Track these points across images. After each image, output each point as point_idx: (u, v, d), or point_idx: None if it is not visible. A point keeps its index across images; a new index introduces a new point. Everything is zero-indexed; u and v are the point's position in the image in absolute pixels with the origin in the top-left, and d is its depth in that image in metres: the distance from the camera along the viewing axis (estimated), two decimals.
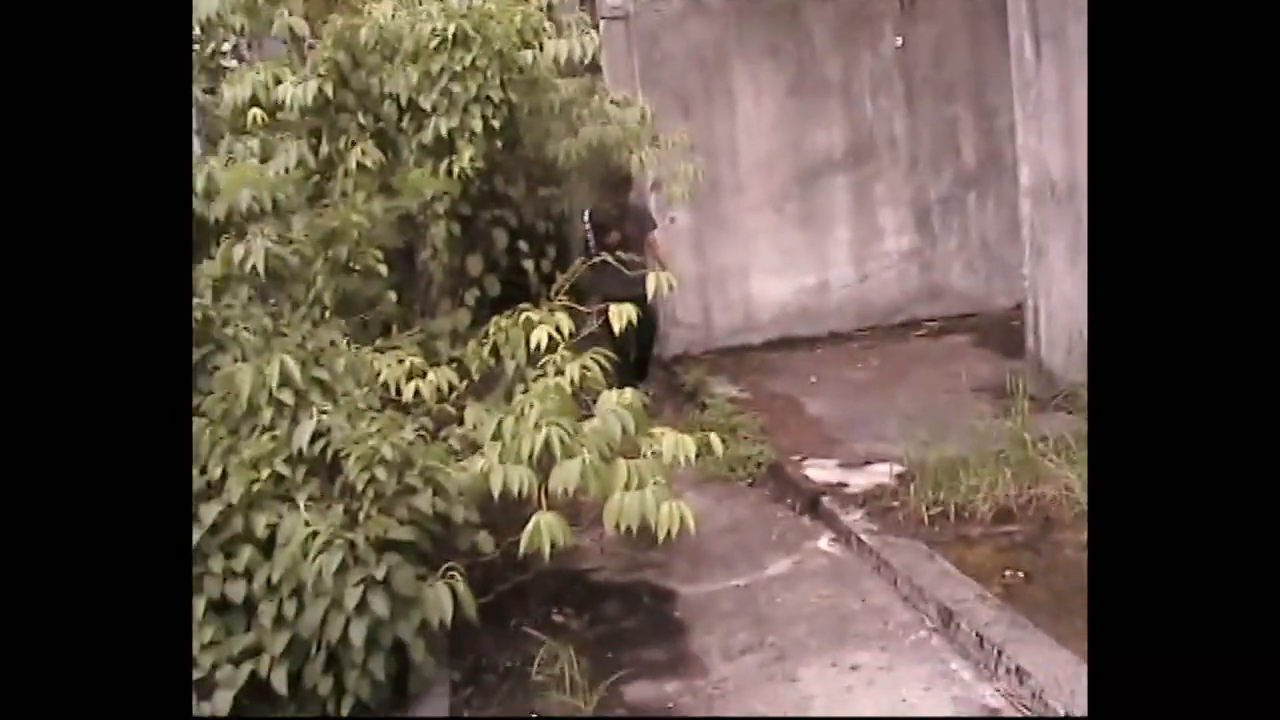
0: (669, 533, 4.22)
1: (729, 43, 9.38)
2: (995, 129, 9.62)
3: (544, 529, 4.11)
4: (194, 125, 7.31)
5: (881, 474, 6.02)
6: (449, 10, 5.90)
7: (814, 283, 9.56)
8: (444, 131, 5.78)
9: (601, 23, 10.09)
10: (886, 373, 8.34)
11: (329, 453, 4.27)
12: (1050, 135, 7.23)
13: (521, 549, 4.17)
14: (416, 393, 5.08)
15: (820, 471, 6.23)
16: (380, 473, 4.12)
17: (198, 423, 4.39)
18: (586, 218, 7.59)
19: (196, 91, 6.93)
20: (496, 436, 4.54)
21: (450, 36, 5.80)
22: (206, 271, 5.37)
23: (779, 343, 9.36)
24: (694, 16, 9.28)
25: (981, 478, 5.54)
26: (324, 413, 4.34)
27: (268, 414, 4.33)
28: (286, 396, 4.33)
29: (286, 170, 6.06)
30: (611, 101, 6.93)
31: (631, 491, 4.27)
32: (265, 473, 4.20)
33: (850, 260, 9.67)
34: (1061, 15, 7.20)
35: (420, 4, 6.48)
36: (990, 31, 9.50)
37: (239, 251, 5.34)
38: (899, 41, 9.65)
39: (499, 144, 5.99)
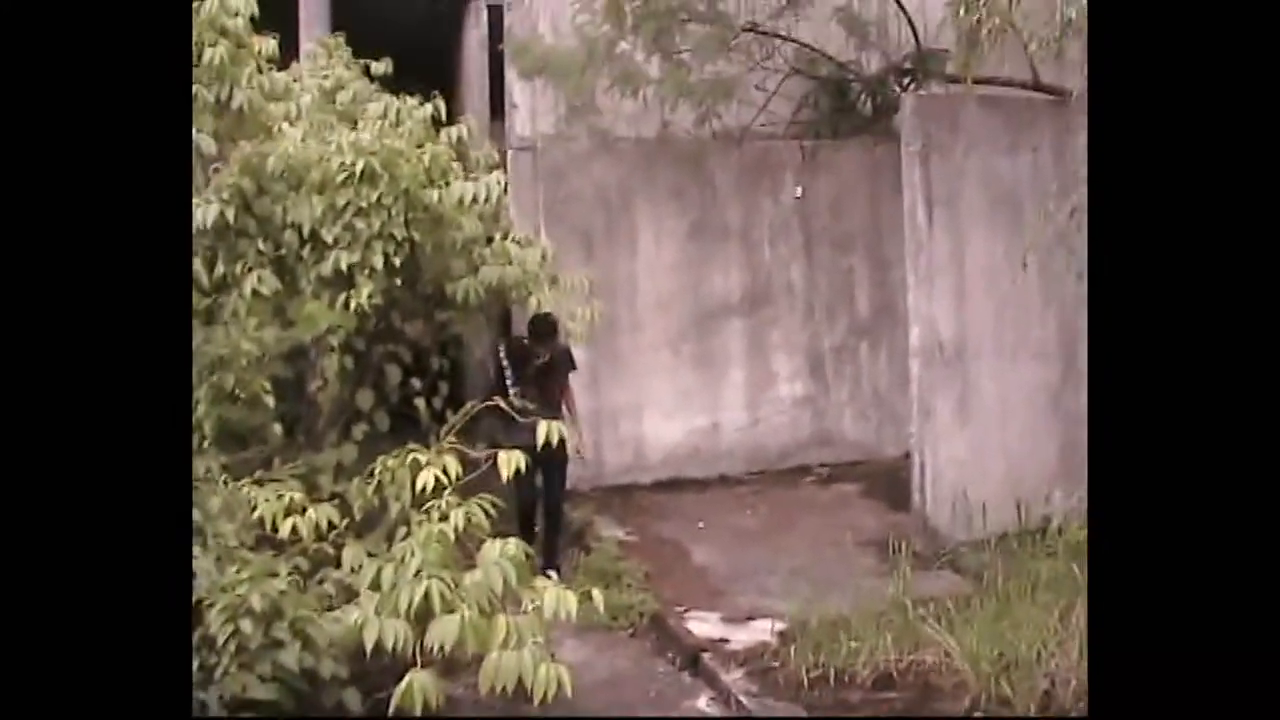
0: (545, 695, 4.13)
1: (634, 183, 9.56)
2: (890, 280, 9.88)
3: (416, 689, 4.00)
4: None
5: (764, 631, 5.99)
6: (358, 145, 5.91)
7: (706, 424, 9.62)
8: (344, 265, 5.75)
9: (509, 153, 10.26)
10: (774, 521, 8.38)
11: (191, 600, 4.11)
12: (940, 298, 7.46)
13: (391, 709, 4.04)
14: (294, 530, 4.96)
15: (703, 625, 6.19)
16: (246, 625, 3.99)
17: None
18: (502, 350, 7.32)
19: None
20: (375, 585, 4.43)
21: (358, 172, 5.80)
22: None
23: (669, 483, 9.36)
24: (600, 155, 9.44)
25: (863, 640, 5.55)
26: (195, 555, 4.20)
27: None
28: None
29: None
30: (513, 240, 6.96)
31: (509, 651, 4.18)
32: None
33: (743, 404, 9.77)
34: (955, 184, 7.51)
35: (331, 134, 6.50)
36: (888, 186, 9.82)
37: None
38: (799, 191, 9.94)
39: (398, 280, 5.96)
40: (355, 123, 7.56)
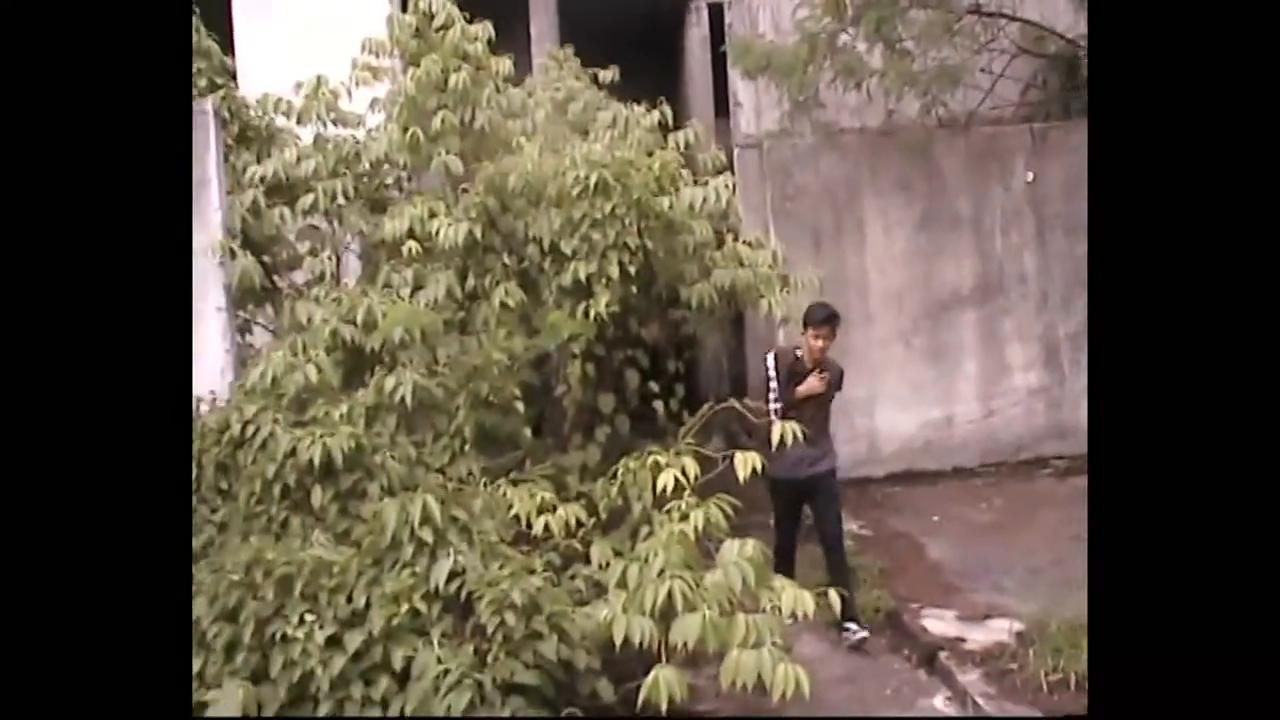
0: (783, 694, 4.30)
1: (860, 176, 9.58)
2: None
3: (663, 684, 4.22)
4: (355, 251, 7.80)
5: (1001, 630, 5.98)
6: (591, 159, 6.20)
7: (940, 416, 9.58)
8: (582, 276, 6.05)
9: (736, 150, 10.45)
10: (1010, 515, 8.29)
11: (463, 592, 4.48)
12: None
13: (639, 701, 4.29)
14: (546, 527, 5.29)
15: (939, 623, 6.22)
16: (510, 617, 4.31)
17: (346, 551, 4.67)
18: (770, 362, 6.33)
19: (361, 223, 7.41)
20: (621, 584, 4.70)
21: (592, 185, 6.09)
22: (360, 400, 5.72)
23: (902, 476, 9.38)
24: (826, 151, 9.51)
25: None
26: (460, 552, 4.56)
27: (409, 550, 4.57)
28: (426, 534, 4.57)
29: (436, 300, 6.43)
30: (743, 242, 7.14)
31: (748, 650, 4.36)
32: (404, 607, 4.42)
33: (977, 395, 9.68)
34: None
35: (566, 146, 6.85)
36: None
37: (390, 382, 5.70)
38: (1030, 177, 9.75)
39: (634, 288, 6.23)
40: (587, 132, 7.93)
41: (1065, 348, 9.77)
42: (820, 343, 6.21)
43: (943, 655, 5.82)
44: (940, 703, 5.60)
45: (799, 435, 5.58)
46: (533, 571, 4.79)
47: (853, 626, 6.20)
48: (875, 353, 9.53)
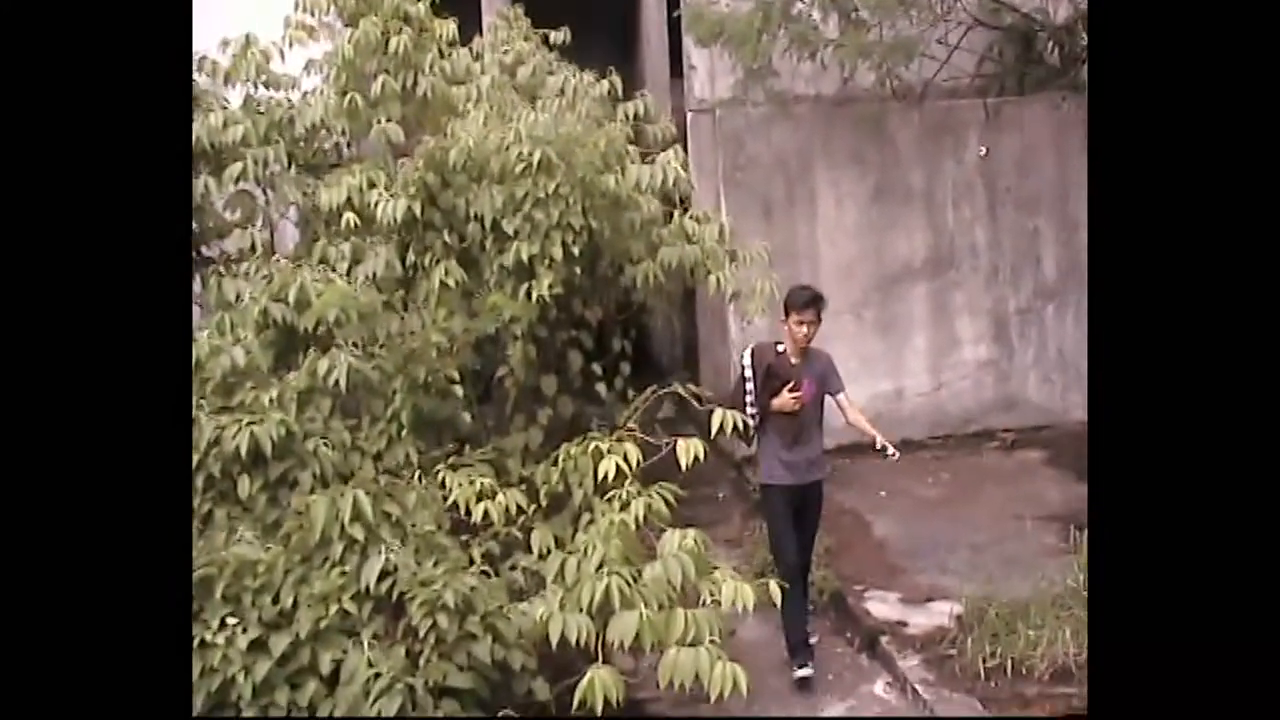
0: (721, 692, 4.24)
1: (813, 147, 9.47)
2: (1077, 241, 9.60)
3: (598, 685, 4.15)
4: (292, 220, 7.58)
5: (942, 614, 5.99)
6: (535, 135, 6.03)
7: (889, 389, 9.54)
8: (525, 257, 5.91)
9: (689, 115, 10.29)
10: (956, 490, 8.30)
11: (395, 592, 4.37)
12: None
13: (575, 704, 4.22)
14: (485, 514, 5.19)
15: (882, 606, 6.22)
16: (442, 619, 4.22)
17: (274, 549, 4.54)
18: (746, 360, 5.83)
19: (296, 192, 7.19)
20: (559, 579, 4.61)
21: (535, 162, 5.93)
22: (292, 383, 5.56)
23: (851, 448, 9.26)
24: (779, 121, 9.38)
25: (1042, 630, 5.49)
26: (392, 549, 4.45)
27: (339, 547, 4.45)
28: (357, 531, 4.45)
29: (374, 275, 6.26)
30: (691, 217, 7.02)
31: (686, 649, 4.30)
32: (333, 608, 4.31)
33: (927, 368, 9.65)
34: None
35: (512, 114, 6.67)
36: (1075, 143, 9.51)
37: (323, 365, 5.53)
38: (983, 151, 9.68)
39: (578, 269, 6.10)
40: (535, 99, 7.73)
41: (1014, 322, 9.76)
42: (805, 329, 5.69)
43: (884, 640, 5.83)
44: (880, 689, 5.61)
45: (797, 436, 5.62)
46: (469, 566, 4.70)
47: (804, 666, 5.63)
48: (825, 325, 9.14)
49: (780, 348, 5.81)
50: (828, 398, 5.93)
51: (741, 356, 5.91)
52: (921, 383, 9.65)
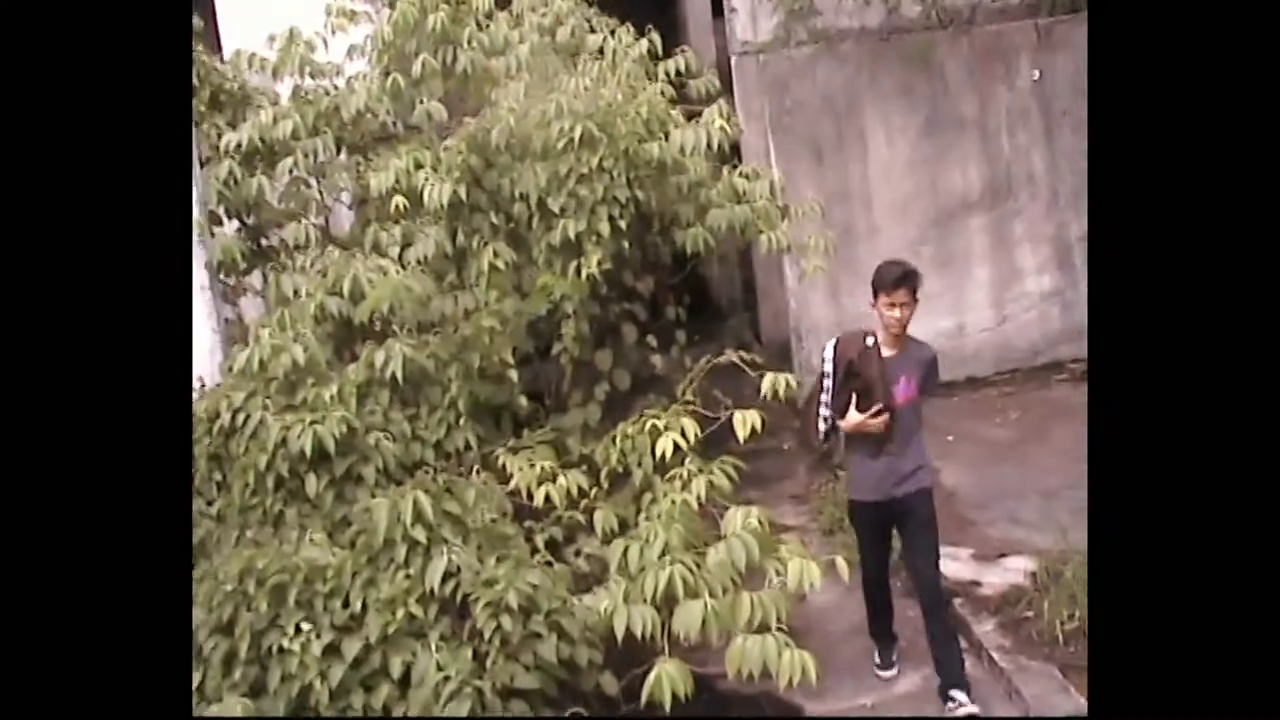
0: (789, 681, 4.24)
1: (860, 85, 9.26)
2: None
3: (665, 681, 4.16)
4: (346, 203, 7.60)
5: (1017, 571, 5.93)
6: (575, 110, 5.95)
7: (952, 326, 9.39)
8: (572, 234, 5.87)
9: (733, 59, 10.12)
10: (1025, 430, 8.19)
11: (459, 593, 4.42)
12: None
13: (643, 699, 4.24)
14: (547, 498, 5.21)
15: (954, 564, 6.15)
16: (506, 621, 4.26)
17: (341, 552, 4.60)
18: (829, 351, 5.17)
19: (347, 179, 7.21)
20: (621, 568, 4.63)
21: (577, 138, 5.86)
22: (351, 377, 5.61)
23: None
24: (824, 60, 9.18)
25: None
26: (455, 549, 4.49)
27: (402, 550, 4.50)
28: (419, 533, 4.49)
29: (426, 258, 6.27)
30: (740, 174, 6.91)
31: (752, 637, 4.29)
32: (400, 612, 4.37)
33: (989, 303, 9.49)
34: None
35: (554, 82, 6.59)
36: None
37: (380, 357, 5.57)
38: (1036, 74, 9.41)
39: (626, 242, 6.04)
40: (576, 56, 7.62)
41: (1078, 248, 9.53)
42: (898, 312, 4.93)
43: (957, 603, 5.77)
44: None
45: (885, 443, 4.98)
46: (533, 556, 4.74)
47: (959, 697, 4.98)
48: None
49: (869, 340, 4.99)
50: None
51: (823, 349, 5.21)
52: (985, 317, 9.50)
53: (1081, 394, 8.79)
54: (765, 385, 5.31)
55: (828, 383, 5.14)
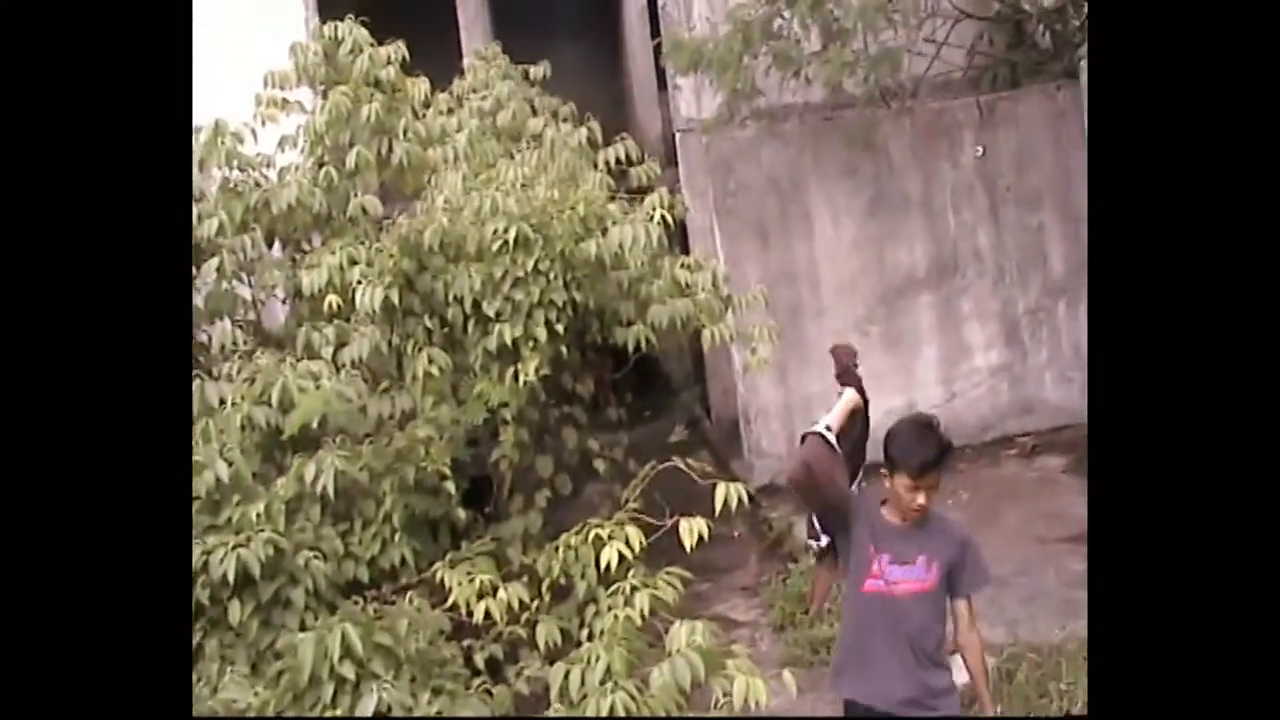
0: None
1: (804, 165, 9.24)
2: (1082, 234, 9.32)
3: None
4: (282, 296, 7.42)
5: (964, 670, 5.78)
6: (509, 210, 5.84)
7: (902, 404, 9.26)
8: (508, 339, 5.73)
9: (677, 135, 10.10)
10: (976, 510, 8.09)
11: None
12: None
13: None
14: (487, 613, 5.03)
15: None
16: None
17: (263, 693, 4.40)
18: (861, 511, 4.08)
19: (278, 275, 7.04)
20: (563, 695, 4.47)
21: (511, 240, 5.74)
22: (279, 492, 5.42)
23: (869, 468, 9.11)
24: (768, 140, 9.17)
25: (1075, 686, 5.31)
26: (386, 684, 4.30)
27: (329, 689, 4.30)
28: (348, 670, 4.30)
29: (361, 359, 6.10)
30: (683, 265, 6.81)
31: None
32: None
33: (938, 379, 9.45)
34: None
35: (493, 173, 6.48)
36: (1075, 132, 9.26)
37: (310, 471, 5.39)
38: (979, 151, 9.44)
39: (564, 346, 5.91)
40: (517, 140, 7.53)
41: (1025, 322, 9.53)
42: (920, 498, 3.86)
43: None
44: None
45: (895, 646, 3.97)
46: (472, 678, 4.57)
47: None
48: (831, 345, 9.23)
49: (885, 511, 4.04)
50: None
51: (858, 509, 4.09)
52: (934, 394, 9.44)
53: (1031, 471, 8.77)
54: (719, 497, 5.20)
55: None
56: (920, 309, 9.39)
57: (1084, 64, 7.62)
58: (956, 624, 4.10)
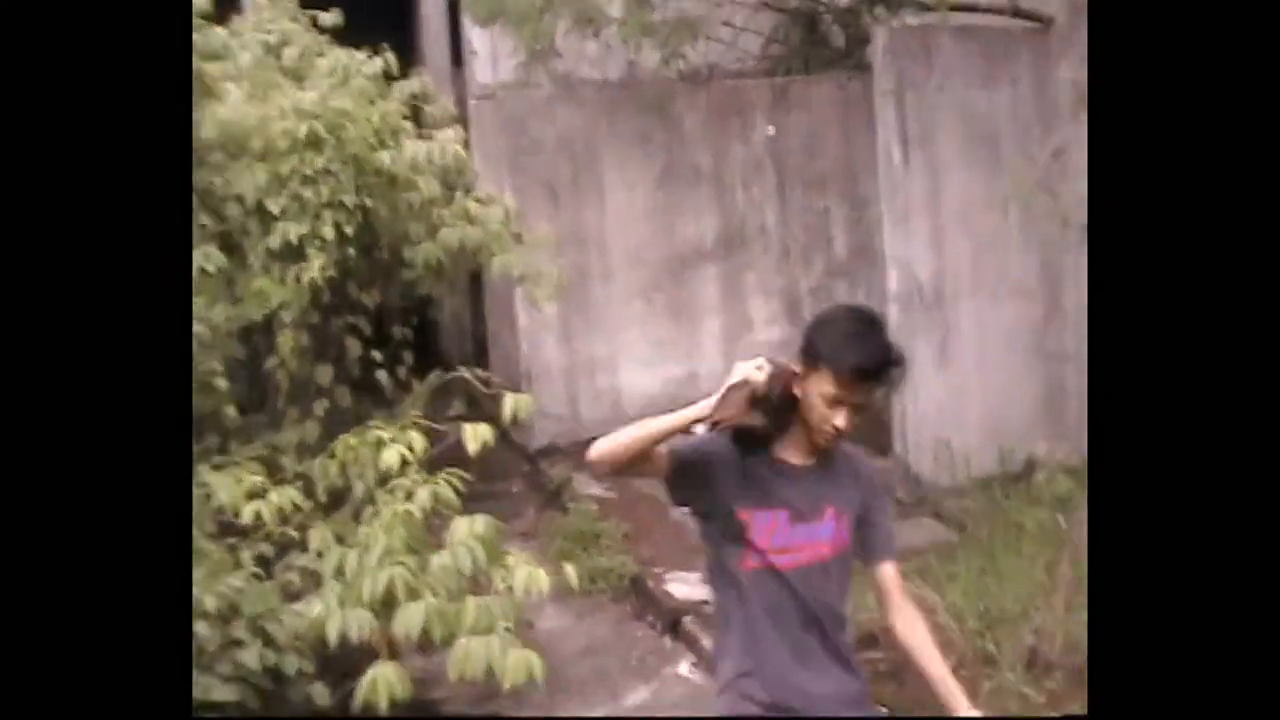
0: (515, 681, 4.02)
1: (598, 130, 9.28)
2: (867, 219, 9.66)
3: (381, 683, 3.86)
4: None
5: None
6: (301, 109, 5.64)
7: (683, 374, 9.42)
8: (293, 238, 5.51)
9: (471, 102, 10.01)
10: None
11: None
12: (917, 239, 7.29)
13: (358, 702, 3.91)
14: (257, 515, 4.78)
15: (683, 587, 6.07)
16: (201, 628, 3.82)
17: None
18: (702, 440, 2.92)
19: None
20: (338, 575, 4.29)
21: (302, 138, 5.54)
22: None
23: None
24: (563, 103, 9.16)
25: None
26: None
27: None
28: None
29: None
30: (474, 199, 6.73)
31: (476, 638, 4.05)
32: None
33: (720, 351, 9.58)
34: (930, 120, 7.30)
35: (276, 94, 6.23)
36: (862, 122, 9.60)
37: None
38: (771, 131, 9.69)
39: (352, 250, 5.73)
40: (301, 81, 7.28)
41: (807, 301, 9.78)
42: (840, 418, 2.81)
43: (686, 620, 5.68)
44: (685, 669, 5.46)
45: (797, 635, 2.90)
46: (238, 567, 4.32)
47: None
48: (617, 310, 9.29)
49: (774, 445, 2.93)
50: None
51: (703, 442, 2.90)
52: (715, 365, 9.56)
53: None
54: (506, 406, 5.14)
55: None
56: (705, 280, 9.53)
57: (875, 59, 7.96)
58: (884, 599, 3.08)
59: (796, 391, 2.86)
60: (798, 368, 2.88)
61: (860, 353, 2.80)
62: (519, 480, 8.54)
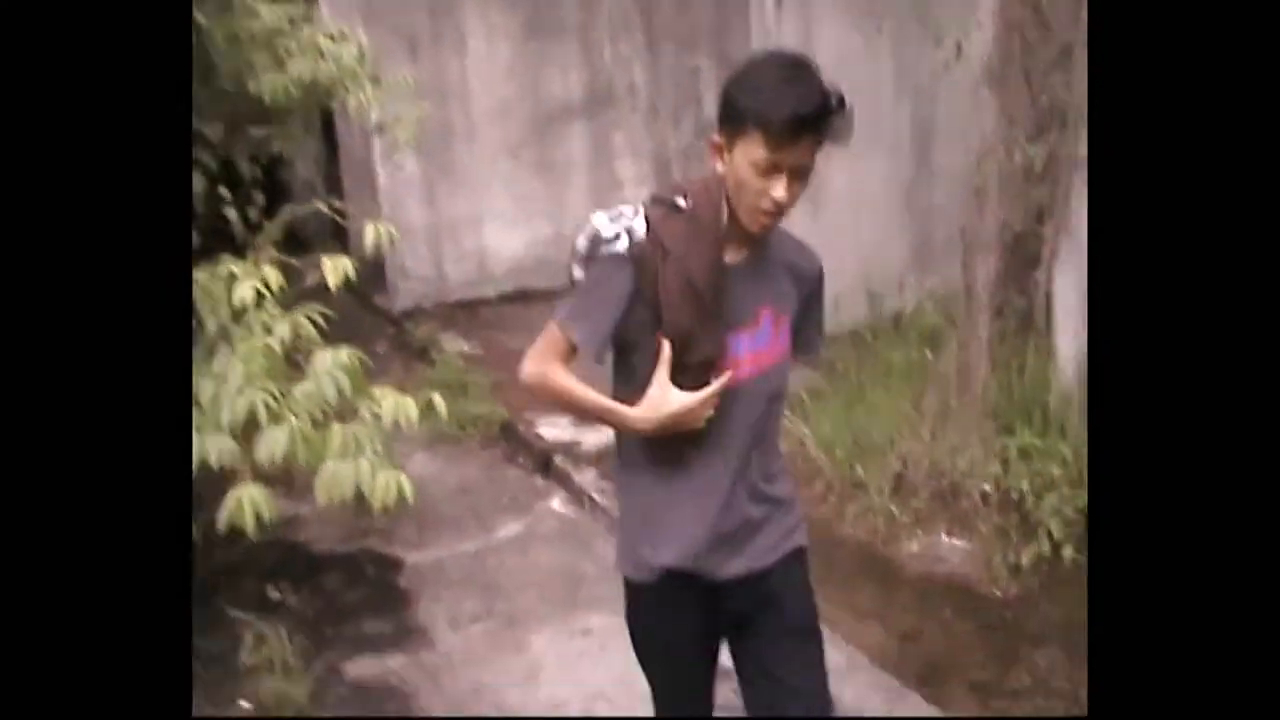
0: (384, 503, 3.92)
1: None
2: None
3: (246, 504, 3.71)
4: None
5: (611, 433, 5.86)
6: None
7: (550, 233, 9.27)
8: None
9: None
10: None
11: None
12: None
13: (220, 526, 3.77)
14: None
15: (553, 429, 6.01)
16: None
17: None
18: (582, 246, 2.65)
19: None
20: (195, 404, 4.09)
21: None
22: None
23: (515, 296, 9.05)
24: None
25: None
26: None
27: None
28: None
29: None
30: (324, 35, 6.37)
31: (344, 461, 3.93)
32: None
33: (588, 210, 9.34)
34: None
35: None
36: None
37: None
38: None
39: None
40: None
41: (676, 161, 9.68)
42: (779, 189, 2.35)
43: (558, 459, 5.65)
44: (558, 504, 5.44)
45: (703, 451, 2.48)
46: None
47: None
48: (482, 168, 9.06)
49: (682, 200, 2.51)
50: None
51: (578, 240, 2.65)
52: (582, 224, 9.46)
53: None
54: (366, 236, 4.92)
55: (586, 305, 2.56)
56: (573, 138, 9.34)
57: None
58: None
59: (719, 166, 2.40)
60: (717, 138, 2.40)
61: (793, 99, 2.29)
62: (384, 342, 8.35)
